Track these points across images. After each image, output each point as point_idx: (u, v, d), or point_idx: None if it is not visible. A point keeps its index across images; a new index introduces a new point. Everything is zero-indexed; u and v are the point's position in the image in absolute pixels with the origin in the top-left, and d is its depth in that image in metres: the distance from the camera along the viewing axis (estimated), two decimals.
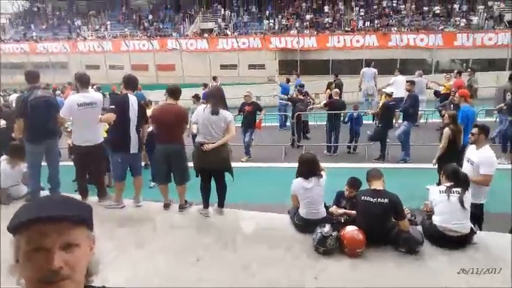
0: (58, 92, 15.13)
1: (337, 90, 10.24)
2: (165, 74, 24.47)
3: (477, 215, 4.52)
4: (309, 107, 10.50)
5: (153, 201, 5.44)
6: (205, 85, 13.00)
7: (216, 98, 4.56)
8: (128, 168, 5.02)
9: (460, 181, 4.03)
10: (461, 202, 3.91)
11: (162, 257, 3.93)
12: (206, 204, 4.87)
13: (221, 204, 4.86)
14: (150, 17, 31.76)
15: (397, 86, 10.45)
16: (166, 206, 5.06)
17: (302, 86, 11.18)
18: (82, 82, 4.83)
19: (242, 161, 9.01)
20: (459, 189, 3.99)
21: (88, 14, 33.13)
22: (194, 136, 4.85)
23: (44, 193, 5.37)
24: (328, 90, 11.44)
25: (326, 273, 3.66)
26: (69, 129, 7.67)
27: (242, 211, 5.03)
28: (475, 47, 21.73)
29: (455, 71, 12.28)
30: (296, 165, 8.63)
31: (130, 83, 4.87)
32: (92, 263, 1.02)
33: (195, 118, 4.60)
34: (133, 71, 23.33)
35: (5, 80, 21.11)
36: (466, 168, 4.63)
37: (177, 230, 4.53)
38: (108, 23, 31.65)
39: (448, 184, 4.07)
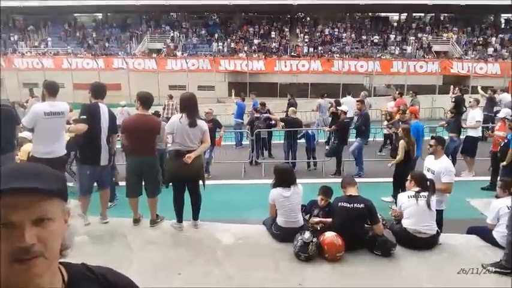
0: None
1: (293, 108, 10.54)
2: (111, 93, 23.40)
3: (438, 220, 4.88)
4: (276, 128, 10.64)
5: (117, 217, 5.19)
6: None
7: (191, 108, 4.49)
8: None
9: (427, 186, 4.36)
10: (429, 205, 4.23)
11: (140, 274, 3.72)
12: (180, 218, 4.73)
13: (196, 216, 4.75)
14: (95, 34, 30.79)
15: (348, 106, 11.03)
16: (136, 221, 4.84)
17: (263, 104, 11.43)
18: (50, 90, 4.53)
19: None
20: (426, 194, 4.31)
21: (26, 29, 31.32)
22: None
23: None
24: (333, 108, 11.50)
25: (310, 279, 3.73)
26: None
27: (217, 223, 4.96)
28: (409, 73, 23.73)
29: (397, 92, 13.31)
30: (256, 182, 8.79)
31: (99, 90, 4.68)
32: (66, 237, 0.94)
33: (170, 128, 4.50)
34: (76, 90, 22.30)
35: None
36: None
37: (153, 246, 4.35)
38: (49, 39, 30.11)
39: (416, 189, 4.38)
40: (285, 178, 4.48)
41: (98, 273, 1.03)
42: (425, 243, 4.22)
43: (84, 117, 4.43)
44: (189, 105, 4.51)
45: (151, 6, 29.94)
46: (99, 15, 34.53)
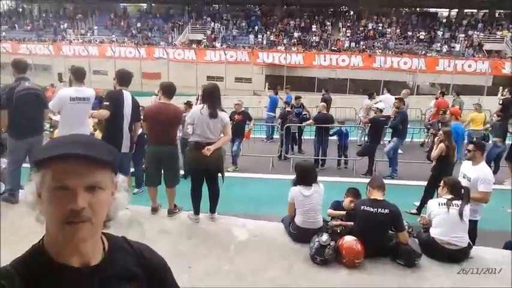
0: None
1: (323, 104, 10.19)
2: (150, 82, 24.13)
3: (471, 231, 4.50)
4: (305, 123, 10.31)
5: (138, 205, 5.21)
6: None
7: (213, 99, 4.39)
8: None
9: (462, 194, 4.01)
10: (461, 215, 3.89)
11: None
12: (197, 210, 4.66)
13: (213, 210, 4.67)
14: (139, 24, 31.60)
15: (385, 104, 10.54)
16: (154, 210, 4.83)
17: (299, 97, 11.18)
18: (77, 76, 4.59)
19: (228, 171, 8.79)
20: (459, 202, 3.96)
21: (75, 17, 32.71)
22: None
23: (23, 192, 5.05)
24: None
25: (324, 284, 3.53)
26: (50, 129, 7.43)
27: (234, 218, 4.84)
28: (456, 72, 22.45)
29: (439, 92, 12.55)
30: (283, 177, 8.63)
31: (124, 78, 4.67)
32: (111, 208, 1.00)
33: (191, 119, 4.42)
34: None
35: None
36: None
37: (167, 236, 4.31)
38: (95, 27, 31.31)
39: (449, 197, 4.04)
40: (306, 176, 4.28)
41: (136, 248, 1.10)
42: (454, 256, 3.88)
43: (107, 103, 4.44)
44: (211, 96, 4.41)
45: None
46: (144, 5, 35.40)
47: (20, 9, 36.05)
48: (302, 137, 10.91)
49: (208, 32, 29.61)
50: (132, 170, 6.60)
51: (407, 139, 11.85)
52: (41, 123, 4.85)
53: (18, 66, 4.64)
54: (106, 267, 0.99)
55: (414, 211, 6.18)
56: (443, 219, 3.95)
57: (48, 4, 34.90)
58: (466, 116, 11.20)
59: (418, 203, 6.31)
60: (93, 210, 0.91)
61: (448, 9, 31.46)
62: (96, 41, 29.18)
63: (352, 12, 31.82)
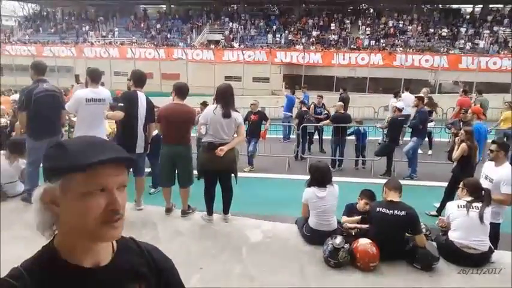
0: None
1: (341, 103, 10.04)
2: (169, 82, 24.31)
3: (493, 234, 4.33)
4: (322, 123, 10.14)
5: (152, 205, 5.25)
6: None
7: (226, 99, 4.38)
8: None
9: (482, 196, 3.86)
10: (481, 218, 3.74)
11: None
12: (210, 211, 4.66)
13: (226, 210, 4.66)
14: (158, 26, 31.99)
15: (405, 103, 10.31)
16: (168, 210, 4.86)
17: (320, 96, 11.10)
18: (93, 77, 4.67)
19: (245, 171, 8.81)
20: (479, 205, 3.81)
21: (96, 20, 33.38)
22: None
23: None
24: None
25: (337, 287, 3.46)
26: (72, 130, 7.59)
27: (247, 219, 4.82)
28: (480, 70, 21.77)
29: (461, 90, 12.17)
30: (299, 177, 8.56)
31: (139, 79, 4.71)
32: None
33: (204, 119, 4.41)
34: None
35: (9, 82, 21.06)
36: (483, 185, 4.45)
37: (181, 236, 4.32)
38: (116, 29, 31.84)
39: (469, 199, 3.89)
40: (320, 177, 4.21)
41: (144, 248, 1.11)
42: (473, 260, 3.73)
43: (122, 104, 4.48)
44: (224, 96, 4.39)
45: None
46: (163, 7, 35.82)
47: (44, 13, 37.07)
48: (322, 137, 10.80)
49: (227, 32, 29.69)
50: (148, 170, 6.70)
51: (427, 138, 11.57)
52: (59, 124, 4.94)
53: (37, 68, 4.74)
54: (115, 267, 1.01)
55: (434, 213, 6.01)
56: (463, 222, 3.81)
57: (71, 7, 35.75)
58: (492, 115, 10.82)
59: (438, 205, 6.14)
60: (123, 208, 0.96)
61: (471, 5, 30.54)
62: (116, 42, 29.69)
63: (372, 10, 31.28)
